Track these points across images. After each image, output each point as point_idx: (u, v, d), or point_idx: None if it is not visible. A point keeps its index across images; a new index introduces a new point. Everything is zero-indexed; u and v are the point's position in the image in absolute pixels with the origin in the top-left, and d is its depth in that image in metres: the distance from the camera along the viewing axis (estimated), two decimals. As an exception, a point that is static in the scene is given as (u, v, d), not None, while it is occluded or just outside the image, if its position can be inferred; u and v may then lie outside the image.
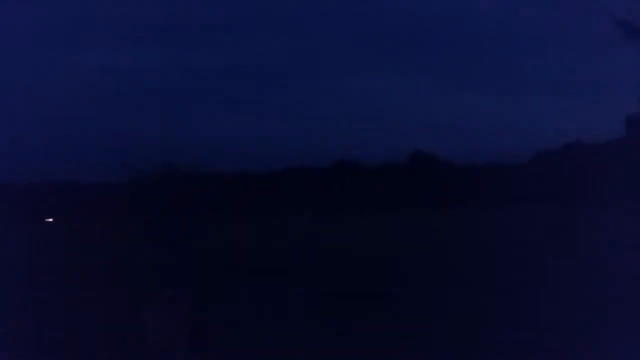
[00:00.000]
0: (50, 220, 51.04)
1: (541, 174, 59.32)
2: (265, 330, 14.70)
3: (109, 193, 43.94)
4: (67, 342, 13.99)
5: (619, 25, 33.11)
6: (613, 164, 51.59)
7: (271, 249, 30.52)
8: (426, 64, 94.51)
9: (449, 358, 12.19)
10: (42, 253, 32.15)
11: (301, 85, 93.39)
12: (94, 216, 47.09)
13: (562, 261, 23.46)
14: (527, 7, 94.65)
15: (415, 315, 15.59)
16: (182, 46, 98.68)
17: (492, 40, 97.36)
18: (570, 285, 18.53)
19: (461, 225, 41.75)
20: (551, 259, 24.33)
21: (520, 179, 58.28)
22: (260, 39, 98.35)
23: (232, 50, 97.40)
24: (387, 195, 54.83)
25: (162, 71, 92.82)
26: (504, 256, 25.42)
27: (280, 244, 32.90)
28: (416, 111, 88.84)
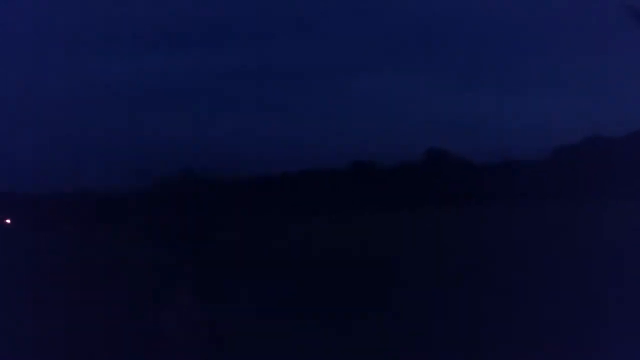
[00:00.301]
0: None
1: (560, 169, 58.98)
2: (271, 330, 14.71)
3: (121, 198, 44.11)
4: (77, 342, 14.04)
5: (634, 15, 32.83)
6: (633, 157, 51.22)
7: (285, 252, 30.54)
8: (438, 62, 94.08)
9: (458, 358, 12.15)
10: (54, 255, 32.31)
11: (310, 86, 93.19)
12: (106, 222, 47.25)
13: (583, 256, 23.33)
14: (536, 7, 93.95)
15: (433, 315, 15.55)
16: (193, 49, 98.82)
17: (505, 34, 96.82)
18: (591, 281, 18.42)
19: (480, 223, 41.62)
20: (573, 255, 24.21)
21: (539, 175, 57.97)
22: (272, 40, 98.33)
23: (240, 52, 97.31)
24: (403, 195, 54.65)
25: (174, 74, 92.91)
26: (524, 254, 25.30)
27: (295, 246, 32.91)
28: (429, 110, 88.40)
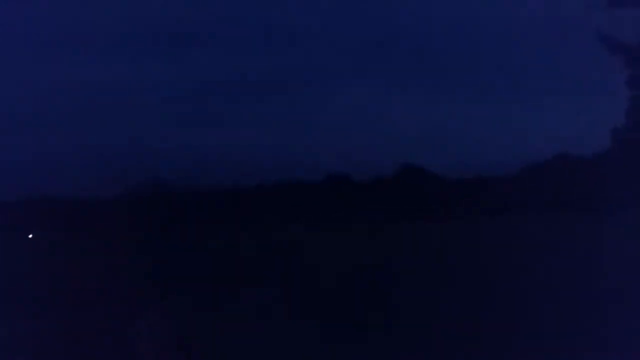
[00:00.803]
0: (30, 236, 50.57)
1: (530, 185, 59.50)
2: (255, 342, 14.62)
3: (101, 206, 43.88)
4: (57, 353, 13.85)
5: (605, 41, 33.54)
6: (600, 176, 51.79)
7: (261, 262, 30.47)
8: (415, 76, 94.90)
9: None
10: (30, 267, 31.96)
11: (289, 98, 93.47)
12: (84, 230, 46.86)
13: (553, 273, 23.45)
14: (513, 19, 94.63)
15: (404, 333, 15.47)
16: (168, 57, 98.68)
17: (478, 52, 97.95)
18: (561, 297, 18.49)
19: (451, 238, 41.80)
20: (542, 271, 24.32)
21: (509, 191, 58.44)
22: (249, 50, 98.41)
23: (222, 62, 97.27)
24: (378, 209, 54.81)
25: (148, 82, 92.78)
26: (495, 269, 25.39)
27: (271, 257, 32.84)
28: (405, 124, 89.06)
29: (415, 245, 37.45)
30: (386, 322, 16.39)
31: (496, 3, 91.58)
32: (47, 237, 49.21)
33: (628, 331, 13.80)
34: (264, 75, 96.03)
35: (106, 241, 37.76)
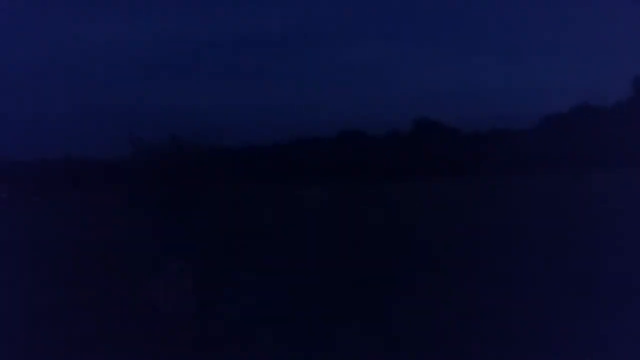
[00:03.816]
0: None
1: (549, 138, 59.00)
2: (268, 304, 14.54)
3: (115, 167, 43.92)
4: (72, 313, 13.84)
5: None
6: (621, 126, 51.29)
7: (277, 221, 30.43)
8: (430, 29, 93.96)
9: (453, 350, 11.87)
10: (46, 227, 32.09)
11: (304, 54, 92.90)
12: (99, 190, 46.98)
13: (572, 228, 23.22)
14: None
15: (421, 290, 15.32)
16: (184, 17, 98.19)
17: (496, 2, 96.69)
18: (581, 254, 18.29)
19: (469, 194, 41.59)
20: (561, 226, 24.09)
21: (528, 144, 58.00)
22: (263, 7, 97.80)
23: (235, 19, 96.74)
24: (393, 165, 54.60)
25: (166, 42, 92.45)
26: (513, 225, 25.18)
27: (286, 216, 32.81)
28: (420, 78, 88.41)
29: (430, 201, 37.27)
30: (401, 275, 16.29)
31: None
32: (63, 197, 49.36)
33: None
34: (277, 32, 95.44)
35: (123, 200, 37.86)
